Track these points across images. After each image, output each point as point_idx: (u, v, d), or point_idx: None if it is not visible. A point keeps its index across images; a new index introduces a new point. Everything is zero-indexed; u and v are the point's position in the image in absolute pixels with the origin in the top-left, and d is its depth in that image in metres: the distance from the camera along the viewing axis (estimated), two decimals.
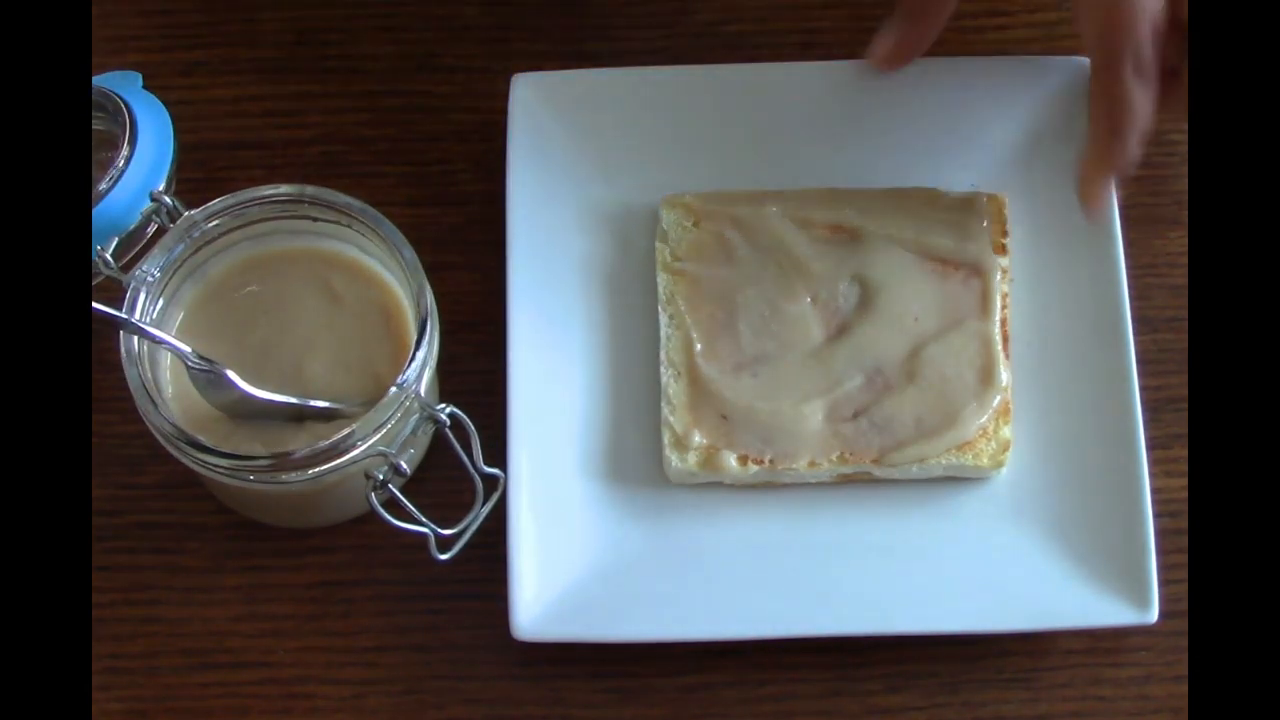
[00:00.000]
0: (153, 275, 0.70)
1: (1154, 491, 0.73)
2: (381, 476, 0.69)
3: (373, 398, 0.69)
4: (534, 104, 0.78)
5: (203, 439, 0.68)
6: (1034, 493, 0.74)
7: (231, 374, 0.70)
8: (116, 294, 0.69)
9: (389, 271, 0.73)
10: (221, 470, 0.69)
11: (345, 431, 0.68)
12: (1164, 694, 0.73)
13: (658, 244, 0.77)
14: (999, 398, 0.74)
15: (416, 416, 0.69)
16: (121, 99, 0.71)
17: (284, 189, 0.72)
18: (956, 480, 0.75)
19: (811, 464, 0.74)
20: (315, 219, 0.72)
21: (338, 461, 0.68)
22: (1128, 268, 0.76)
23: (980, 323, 0.75)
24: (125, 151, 0.70)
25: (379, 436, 0.68)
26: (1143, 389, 0.74)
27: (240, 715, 0.73)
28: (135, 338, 0.69)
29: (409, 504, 0.69)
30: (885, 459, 0.74)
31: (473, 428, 0.69)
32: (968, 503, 0.74)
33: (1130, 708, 0.73)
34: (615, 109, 0.79)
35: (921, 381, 0.74)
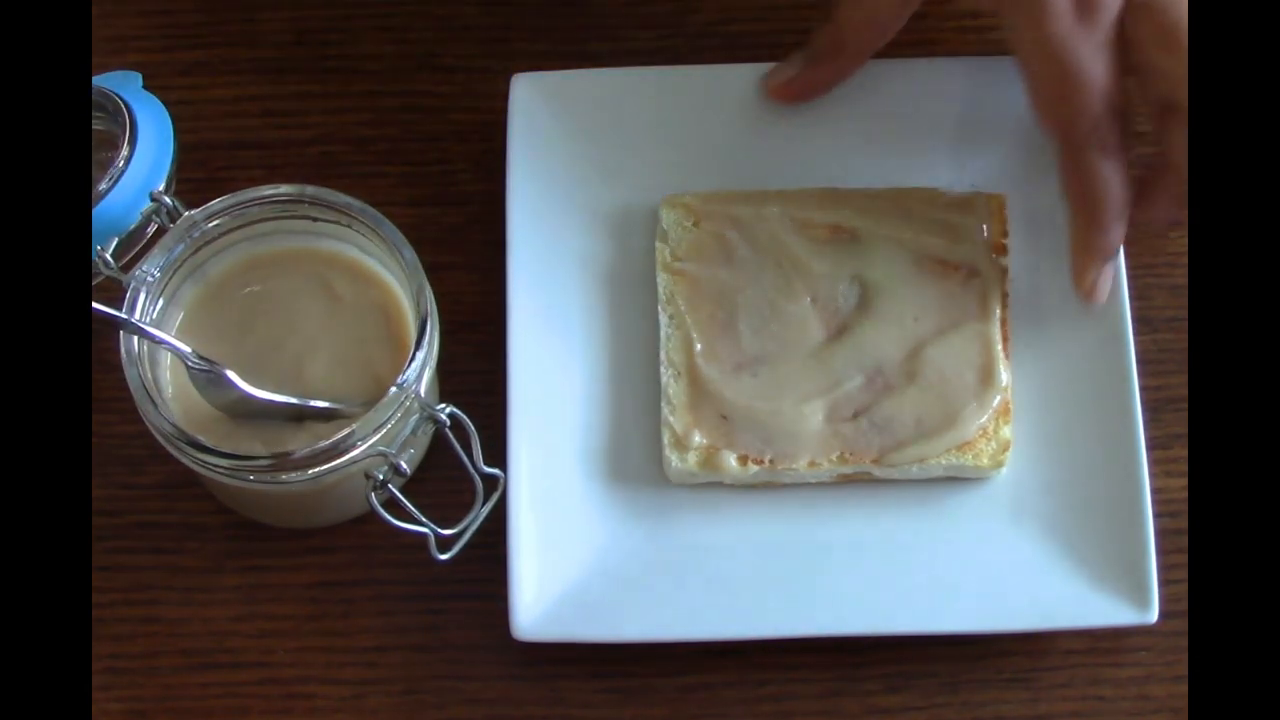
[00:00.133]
0: (153, 275, 0.70)
1: (1154, 491, 0.73)
2: (381, 476, 0.69)
3: (373, 398, 0.69)
4: (534, 104, 0.78)
5: (203, 439, 0.68)
6: (1034, 493, 0.74)
7: (231, 374, 0.70)
8: (116, 294, 0.69)
9: (389, 271, 0.73)
10: (221, 470, 0.69)
11: (345, 431, 0.68)
12: (1164, 694, 0.73)
13: (658, 244, 0.77)
14: (999, 398, 0.74)
15: (416, 416, 0.69)
16: (121, 99, 0.71)
17: (284, 189, 0.72)
18: (956, 480, 0.75)
19: (811, 464, 0.74)
20: (315, 219, 0.72)
21: (338, 461, 0.68)
22: (1128, 268, 0.76)
23: (980, 323, 0.75)
24: (125, 151, 0.70)
25: (379, 436, 0.68)
26: (1143, 389, 0.74)
27: (240, 715, 0.73)
28: (135, 338, 0.69)
29: (409, 504, 0.69)
30: (885, 459, 0.74)
31: (473, 428, 0.69)
32: (968, 503, 0.74)
33: (1130, 708, 0.73)
34: (615, 109, 0.79)
35: (921, 381, 0.74)
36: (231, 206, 0.71)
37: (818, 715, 0.73)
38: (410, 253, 0.70)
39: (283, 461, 0.68)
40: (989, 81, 0.78)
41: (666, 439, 0.74)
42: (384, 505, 0.69)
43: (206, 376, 0.70)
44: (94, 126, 0.72)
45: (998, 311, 0.76)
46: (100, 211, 0.69)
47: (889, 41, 0.77)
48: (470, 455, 0.69)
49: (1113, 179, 0.72)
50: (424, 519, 0.69)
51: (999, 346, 0.75)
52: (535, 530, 0.73)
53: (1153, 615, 0.71)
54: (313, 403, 0.71)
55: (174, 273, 0.71)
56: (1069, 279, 0.76)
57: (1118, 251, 0.74)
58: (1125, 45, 0.72)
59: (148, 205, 0.70)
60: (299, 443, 0.69)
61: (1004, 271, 0.76)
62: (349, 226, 0.72)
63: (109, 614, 0.74)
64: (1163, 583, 0.72)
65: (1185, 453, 0.76)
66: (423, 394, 0.69)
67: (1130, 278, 0.76)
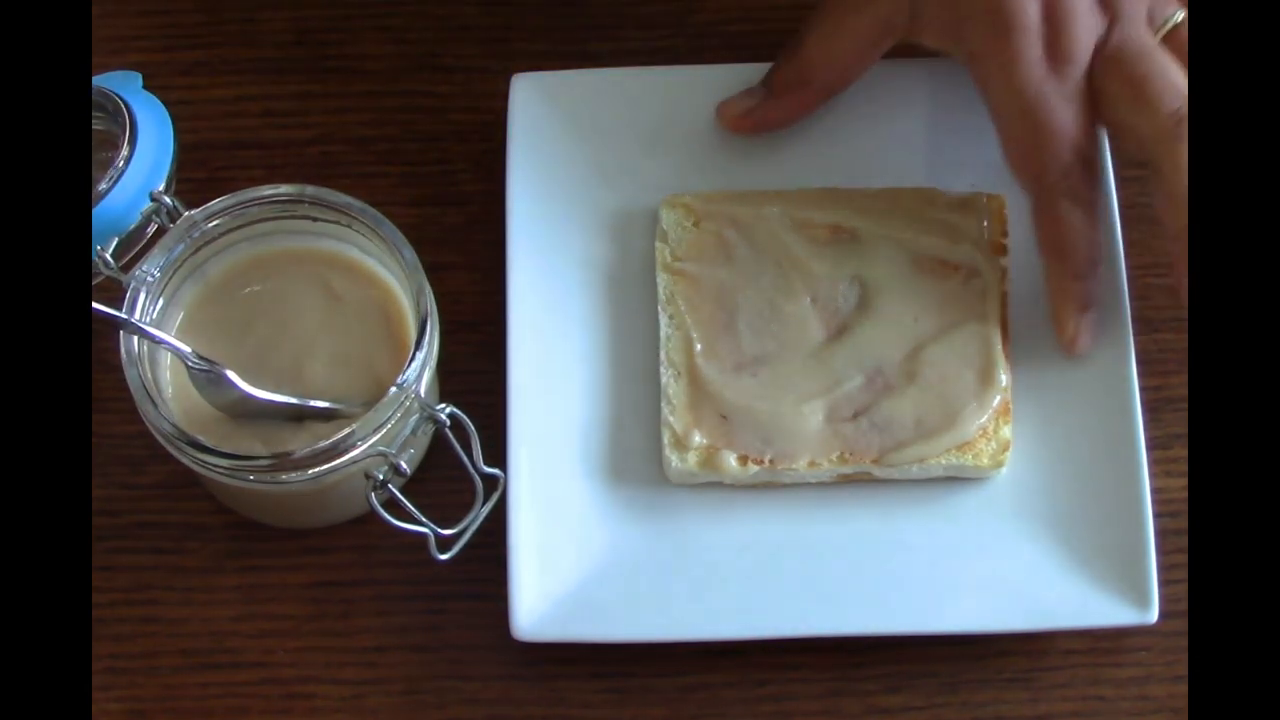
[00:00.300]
0: (153, 275, 0.70)
1: (1154, 491, 0.73)
2: (381, 476, 0.69)
3: (373, 398, 0.69)
4: (534, 104, 0.78)
5: (203, 439, 0.68)
6: (1034, 493, 0.74)
7: (231, 374, 0.70)
8: (116, 294, 0.69)
9: (389, 271, 0.73)
10: (221, 470, 0.69)
11: (345, 431, 0.68)
12: (1164, 694, 0.73)
13: (658, 244, 0.77)
14: (999, 398, 0.74)
15: (416, 416, 0.69)
16: (121, 99, 0.71)
17: (284, 189, 0.72)
18: (956, 480, 0.75)
19: (811, 464, 0.74)
20: (315, 219, 0.72)
21: (338, 461, 0.68)
22: (1128, 268, 0.76)
23: (980, 323, 0.75)
24: (125, 151, 0.70)
25: (379, 436, 0.68)
26: (1143, 389, 0.74)
27: (240, 715, 0.73)
28: (135, 338, 0.69)
29: (409, 504, 0.69)
30: (885, 459, 0.74)
31: (473, 428, 0.69)
32: (968, 503, 0.74)
33: (1130, 708, 0.73)
34: (615, 109, 0.79)
35: (921, 382, 0.74)
36: (231, 206, 0.71)
37: (818, 715, 0.73)
38: (410, 253, 0.70)
39: (283, 461, 0.68)
40: None
41: (666, 439, 0.74)
42: (384, 505, 0.69)
43: (206, 376, 0.70)
44: (94, 126, 0.72)
45: (997, 312, 0.76)
46: (100, 211, 0.69)
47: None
48: (470, 455, 0.69)
49: (1084, 227, 0.73)
50: (424, 519, 0.69)
51: (999, 346, 0.75)
52: (535, 530, 0.73)
53: (1153, 615, 0.71)
54: (313, 403, 0.71)
55: (174, 273, 0.71)
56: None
57: (1096, 301, 0.74)
58: (1096, 98, 0.72)
59: (148, 205, 0.70)
60: (299, 443, 0.69)
61: (1004, 272, 0.76)
62: (349, 226, 0.72)
63: (109, 614, 0.74)
64: (1163, 583, 0.72)
65: (1185, 453, 0.76)
66: (423, 394, 0.69)
67: (1130, 278, 0.76)
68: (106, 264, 0.70)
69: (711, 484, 0.75)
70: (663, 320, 0.76)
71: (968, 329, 0.75)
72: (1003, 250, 0.76)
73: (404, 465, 0.69)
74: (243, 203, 0.71)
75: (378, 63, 0.82)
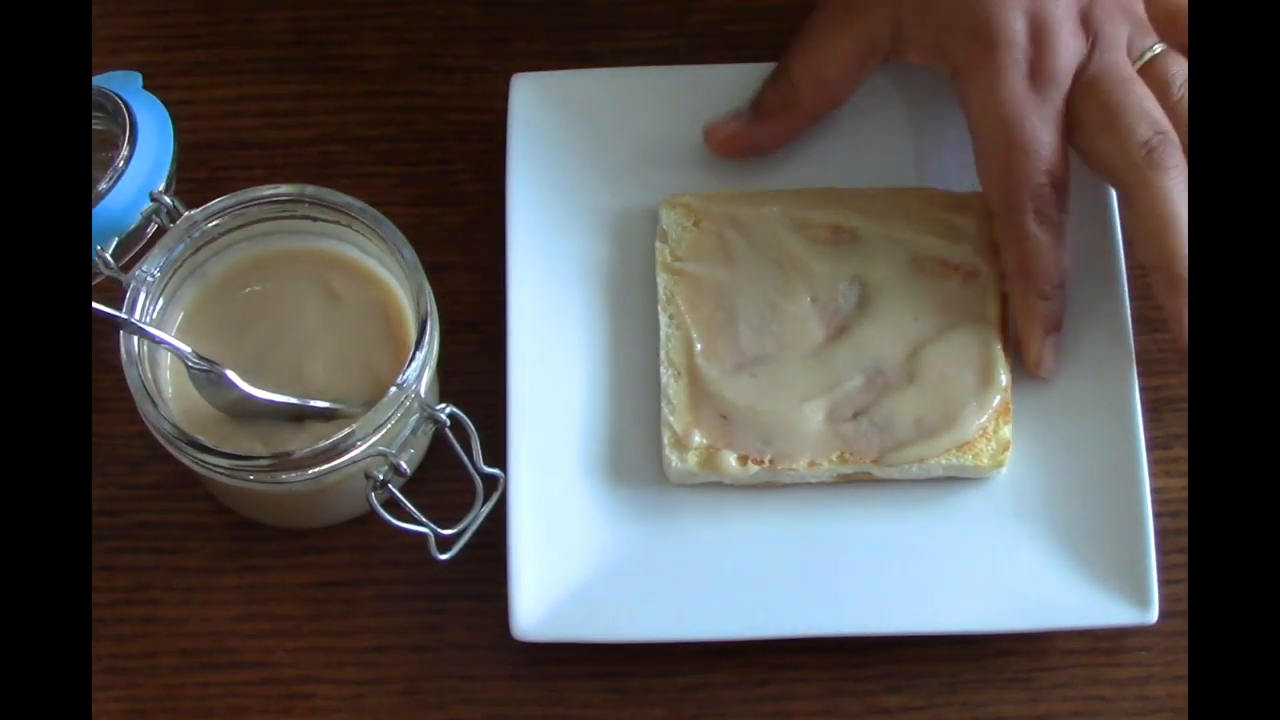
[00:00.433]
0: (153, 275, 0.70)
1: (1154, 491, 0.73)
2: (381, 476, 0.69)
3: (373, 398, 0.69)
4: (534, 104, 0.78)
5: (203, 439, 0.68)
6: (1034, 493, 0.74)
7: (231, 374, 0.70)
8: (116, 294, 0.69)
9: (389, 271, 0.73)
10: (221, 470, 0.69)
11: (345, 431, 0.68)
12: (1164, 694, 0.73)
13: (657, 244, 0.77)
14: (999, 397, 0.74)
15: (416, 416, 0.69)
16: (121, 99, 0.71)
17: (284, 189, 0.72)
18: (956, 480, 0.74)
19: (811, 464, 0.74)
20: (315, 219, 0.72)
21: (338, 461, 0.68)
22: (1128, 268, 0.76)
23: (980, 323, 0.75)
24: (125, 151, 0.70)
25: (379, 436, 0.68)
26: (1143, 389, 0.75)
27: (240, 715, 0.73)
28: (135, 338, 0.69)
29: (409, 504, 0.69)
30: (885, 459, 0.73)
31: (473, 428, 0.69)
32: (968, 503, 0.74)
33: (1130, 708, 0.73)
34: (615, 109, 0.79)
35: (921, 381, 0.74)
36: (231, 206, 0.71)
37: (818, 715, 0.73)
38: (410, 253, 0.70)
39: (283, 461, 0.68)
40: None
41: (666, 439, 0.74)
42: (384, 505, 0.69)
43: (206, 376, 0.70)
44: (94, 126, 0.72)
45: (997, 312, 0.75)
46: (100, 211, 0.69)
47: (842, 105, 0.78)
48: (470, 455, 0.69)
49: (1051, 249, 0.73)
50: (424, 519, 0.69)
51: (998, 346, 0.75)
52: (535, 530, 0.73)
53: (1153, 615, 0.71)
54: (313, 403, 0.71)
55: (174, 273, 0.71)
56: (1068, 278, 0.75)
57: (1060, 322, 0.75)
58: (1071, 123, 0.73)
59: (148, 205, 0.70)
60: (299, 443, 0.69)
61: (1003, 272, 0.76)
62: (349, 226, 0.72)
63: (109, 614, 0.74)
64: (1163, 583, 0.72)
65: (1185, 453, 0.76)
66: (423, 394, 0.69)
67: (1130, 278, 0.76)
68: (106, 264, 0.70)
69: (711, 484, 0.74)
70: (663, 320, 0.76)
71: (967, 329, 0.75)
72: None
73: (404, 465, 0.69)
74: (243, 203, 0.71)
75: (378, 63, 0.82)
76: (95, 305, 0.67)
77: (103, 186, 0.70)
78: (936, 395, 0.74)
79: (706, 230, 0.77)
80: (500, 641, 0.72)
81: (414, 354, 0.69)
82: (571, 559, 0.73)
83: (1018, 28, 0.72)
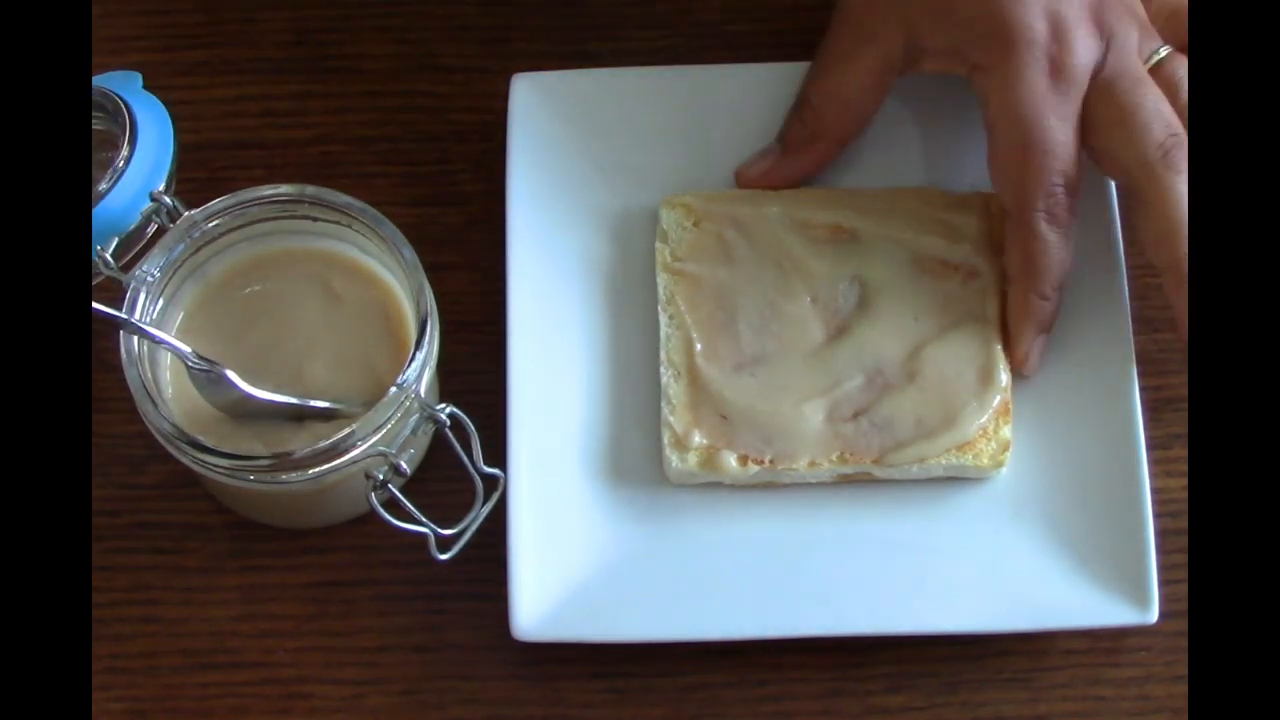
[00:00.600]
0: (153, 275, 0.70)
1: (1154, 491, 0.73)
2: (381, 476, 0.69)
3: (373, 398, 0.69)
4: (534, 104, 0.78)
5: (203, 439, 0.68)
6: (1034, 493, 0.74)
7: (231, 374, 0.70)
8: (116, 294, 0.69)
9: (389, 271, 0.73)
10: (221, 470, 0.69)
11: (345, 431, 0.68)
12: (1164, 694, 0.73)
13: (658, 244, 0.77)
14: (999, 397, 0.74)
15: (416, 416, 0.69)
16: (121, 99, 0.71)
17: (284, 189, 0.72)
18: (957, 480, 0.74)
19: (812, 464, 0.74)
20: (315, 219, 0.72)
21: (338, 461, 0.68)
22: (1128, 268, 0.76)
23: (980, 322, 0.75)
24: (125, 151, 0.70)
25: (379, 436, 0.68)
26: (1143, 389, 0.75)
27: (240, 715, 0.73)
28: (135, 338, 0.69)
29: (409, 504, 0.69)
30: (885, 459, 0.73)
31: (473, 428, 0.69)
32: (968, 503, 0.74)
33: (1130, 708, 0.73)
34: (615, 109, 0.79)
35: (921, 381, 0.74)
36: (231, 206, 0.71)
37: (818, 715, 0.73)
38: (410, 252, 0.70)
39: (283, 461, 0.68)
40: None
41: (666, 439, 0.74)
42: (384, 505, 0.69)
43: (206, 376, 0.70)
44: (94, 126, 0.72)
45: (997, 311, 0.75)
46: (100, 211, 0.69)
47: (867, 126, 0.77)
48: (470, 455, 0.69)
49: (1058, 249, 0.73)
50: (424, 519, 0.69)
51: (999, 346, 0.75)
52: (535, 530, 0.73)
53: (1153, 615, 0.71)
54: (313, 403, 0.71)
55: (174, 273, 0.71)
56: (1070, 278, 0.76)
57: (1053, 324, 0.75)
58: (1085, 124, 0.73)
59: (148, 205, 0.70)
60: (299, 443, 0.69)
61: (1004, 271, 0.76)
62: (349, 226, 0.72)
63: (109, 614, 0.74)
64: (1163, 583, 0.72)
65: (1185, 453, 0.76)
66: (423, 394, 0.69)
67: (1130, 278, 0.76)
68: (106, 264, 0.70)
69: (711, 484, 0.74)
70: (663, 320, 0.76)
71: (968, 329, 0.75)
72: (1003, 250, 0.76)
73: (404, 465, 0.69)
74: (243, 203, 0.71)
75: (378, 63, 0.82)
76: (95, 305, 0.67)
77: (103, 186, 0.70)
78: (937, 395, 0.74)
79: (706, 230, 0.77)
80: (500, 641, 0.72)
81: (414, 354, 0.69)
82: (571, 559, 0.73)
83: (1038, 26, 0.72)
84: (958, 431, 0.74)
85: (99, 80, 0.72)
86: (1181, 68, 0.73)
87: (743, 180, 0.78)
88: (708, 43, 0.82)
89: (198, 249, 0.72)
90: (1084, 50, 0.72)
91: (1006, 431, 0.74)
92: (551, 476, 0.74)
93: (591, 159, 0.78)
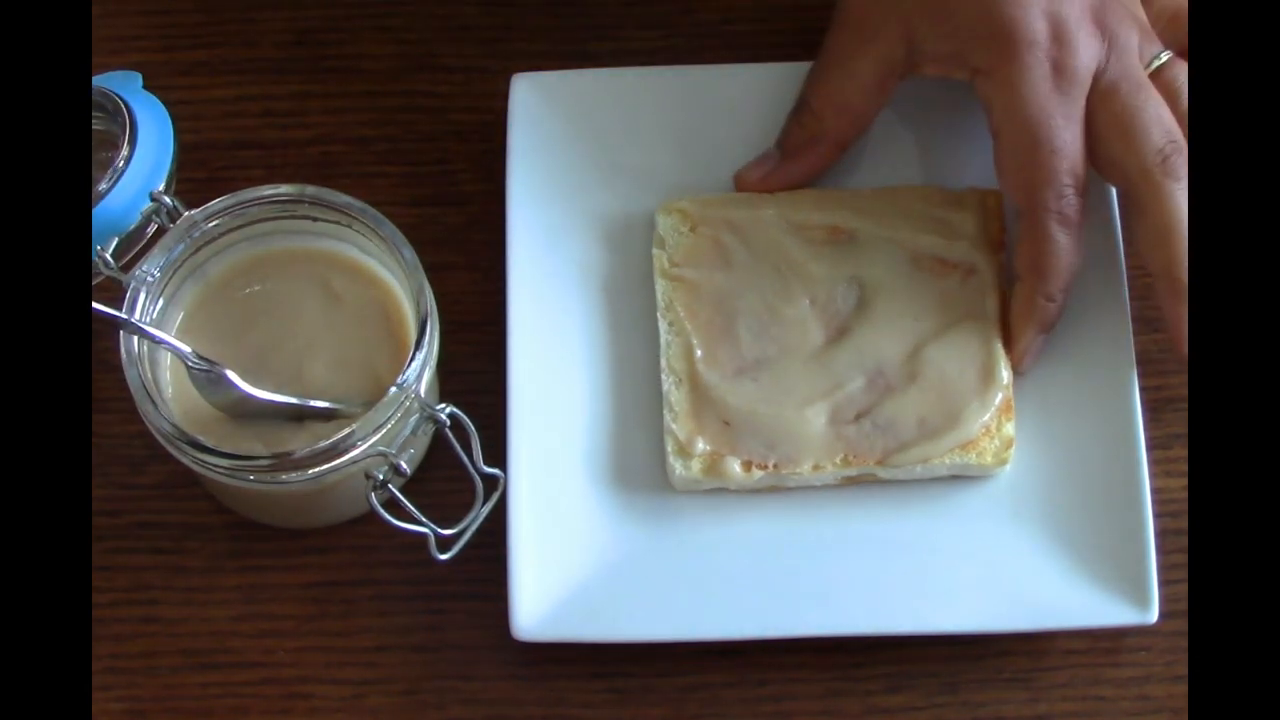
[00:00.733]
0: (153, 275, 0.70)
1: (1154, 491, 0.73)
2: (381, 476, 0.69)
3: (373, 398, 0.69)
4: (534, 104, 0.78)
5: (203, 439, 0.68)
6: (1035, 492, 0.74)
7: (231, 374, 0.70)
8: (116, 294, 0.69)
9: (389, 271, 0.73)
10: (221, 470, 0.69)
11: (345, 431, 0.68)
12: (1164, 694, 0.73)
13: (655, 250, 0.77)
14: (1001, 395, 0.74)
15: (416, 416, 0.69)
16: (121, 99, 0.71)
17: (284, 189, 0.72)
18: (957, 480, 0.74)
19: (815, 467, 0.73)
20: (315, 219, 0.72)
21: (338, 461, 0.68)
22: (1128, 268, 0.76)
23: (979, 321, 0.75)
24: (125, 151, 0.70)
25: (379, 436, 0.68)
26: (1143, 389, 0.75)
27: (240, 715, 0.73)
28: (135, 338, 0.69)
29: (409, 504, 0.69)
30: (889, 460, 0.73)
31: (473, 428, 0.69)
32: (968, 503, 0.74)
33: (1130, 708, 0.73)
34: (615, 109, 0.79)
35: (923, 381, 0.74)
36: (231, 206, 0.71)
37: (818, 715, 0.73)
38: (410, 253, 0.70)
39: (283, 461, 0.68)
40: None
41: (670, 447, 0.74)
42: (384, 505, 0.69)
43: (206, 376, 0.70)
44: (94, 126, 0.72)
45: (997, 309, 0.75)
46: (100, 211, 0.69)
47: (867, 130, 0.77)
48: (470, 455, 0.69)
49: (1069, 252, 0.73)
50: (424, 519, 0.69)
51: (999, 344, 0.75)
52: (535, 530, 0.73)
53: (1153, 615, 0.71)
54: (313, 403, 0.71)
55: (174, 273, 0.71)
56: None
57: (1055, 324, 0.74)
58: (1085, 128, 0.73)
59: (148, 205, 0.70)
60: (299, 443, 0.69)
61: (1002, 268, 0.76)
62: (349, 226, 0.72)
63: (109, 614, 0.74)
64: (1163, 583, 0.72)
65: (1185, 453, 0.76)
66: (423, 394, 0.69)
67: (1130, 278, 0.76)
68: (106, 264, 0.70)
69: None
70: (662, 327, 0.76)
71: (968, 327, 0.75)
72: (1001, 247, 0.76)
73: (404, 465, 0.69)
74: (243, 203, 0.71)
75: (378, 63, 0.82)
76: (95, 305, 0.67)
77: (103, 186, 0.70)
78: (938, 395, 0.74)
79: (703, 235, 0.77)
80: (500, 641, 0.72)
81: (414, 354, 0.69)
82: (571, 559, 0.73)
83: (1038, 28, 0.72)
84: (961, 431, 0.74)
85: (99, 80, 0.72)
86: (1182, 73, 0.73)
87: (742, 185, 0.78)
88: (708, 43, 0.82)
89: (198, 249, 0.72)
90: (1085, 52, 0.72)
91: (1009, 429, 0.74)
92: (551, 477, 0.74)
93: (591, 159, 0.78)
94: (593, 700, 0.73)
